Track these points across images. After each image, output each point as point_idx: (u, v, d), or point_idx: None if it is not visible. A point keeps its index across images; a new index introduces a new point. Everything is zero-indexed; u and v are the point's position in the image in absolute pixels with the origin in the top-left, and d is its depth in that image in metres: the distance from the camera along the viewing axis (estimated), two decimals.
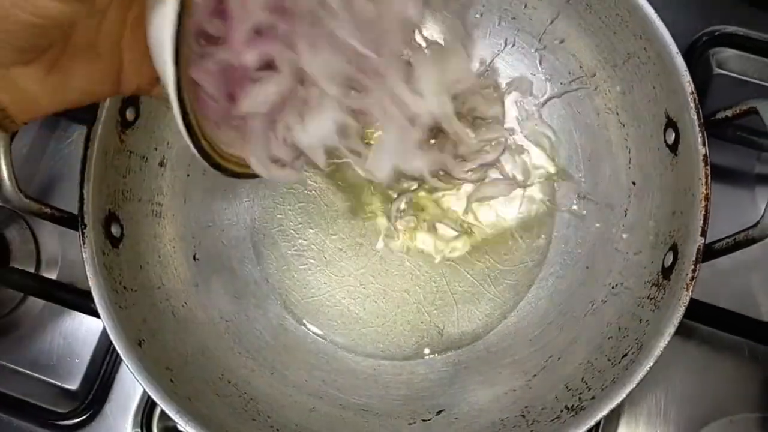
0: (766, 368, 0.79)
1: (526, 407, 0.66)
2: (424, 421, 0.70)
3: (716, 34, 0.86)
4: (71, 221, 0.64)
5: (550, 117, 0.78)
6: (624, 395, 0.58)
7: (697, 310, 0.74)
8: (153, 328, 0.66)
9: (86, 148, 0.64)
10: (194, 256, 0.75)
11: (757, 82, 0.86)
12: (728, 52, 0.87)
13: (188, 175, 0.76)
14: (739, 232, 0.58)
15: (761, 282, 0.82)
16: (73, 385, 0.83)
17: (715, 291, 0.80)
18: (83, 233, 0.63)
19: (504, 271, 0.76)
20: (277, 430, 0.67)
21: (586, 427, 0.58)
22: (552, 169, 0.77)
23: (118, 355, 0.69)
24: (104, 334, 0.81)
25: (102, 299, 0.61)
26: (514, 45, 0.79)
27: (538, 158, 0.77)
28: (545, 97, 0.78)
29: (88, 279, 0.62)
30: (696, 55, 0.85)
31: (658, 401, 0.79)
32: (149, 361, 0.62)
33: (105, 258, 0.64)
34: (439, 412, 0.70)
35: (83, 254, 0.62)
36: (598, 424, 0.74)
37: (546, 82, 0.79)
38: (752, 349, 0.80)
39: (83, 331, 0.85)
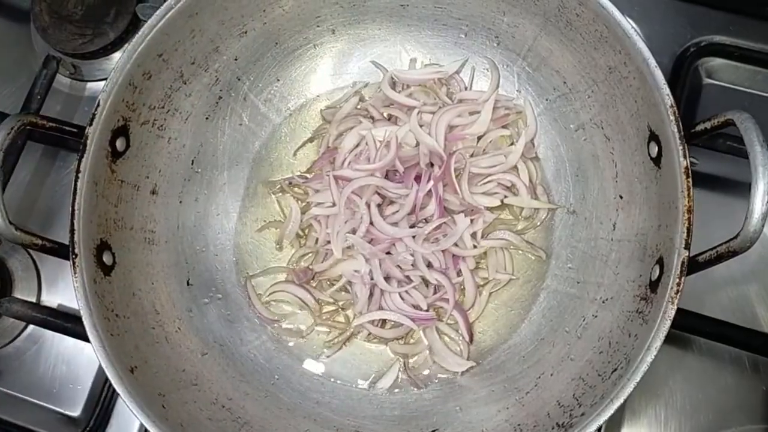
0: (767, 378, 0.79)
1: (519, 425, 0.66)
2: None
3: (704, 44, 0.86)
4: (63, 252, 0.66)
5: (537, 133, 0.79)
6: (612, 411, 0.57)
7: (693, 323, 0.74)
8: (146, 354, 0.67)
9: (76, 179, 0.65)
10: (187, 282, 0.76)
11: (747, 90, 0.86)
12: (717, 62, 0.87)
13: (180, 202, 0.78)
14: (720, 245, 0.58)
15: (758, 292, 0.81)
16: (74, 412, 0.84)
17: (713, 303, 0.80)
18: (74, 263, 0.64)
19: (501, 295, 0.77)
20: None
21: None
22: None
23: None
24: None
25: (93, 327, 0.62)
26: (498, 63, 0.80)
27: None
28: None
29: (79, 307, 0.63)
30: (685, 65, 0.86)
31: (659, 414, 0.79)
32: (141, 387, 0.63)
33: (97, 286, 0.65)
34: None
35: (74, 283, 0.63)
36: None
37: (531, 98, 0.79)
38: (753, 360, 0.79)
39: (85, 358, 0.86)
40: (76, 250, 0.64)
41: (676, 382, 0.79)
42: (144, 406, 0.61)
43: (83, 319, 0.62)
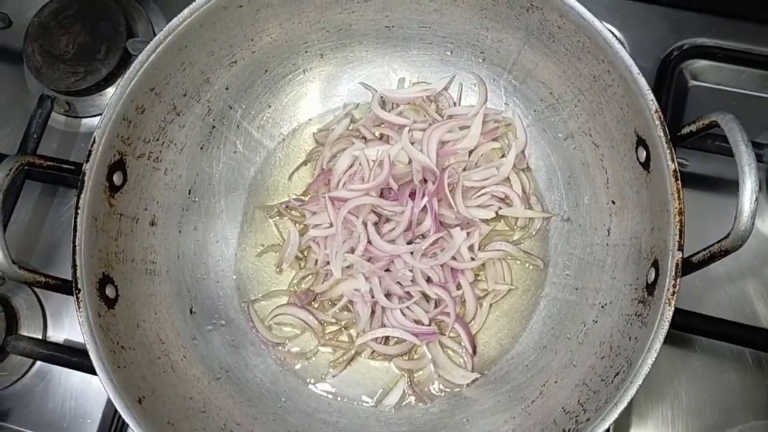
0: None
1: None
2: None
3: (687, 47, 0.88)
4: (66, 288, 0.66)
5: (527, 144, 0.80)
6: (616, 414, 0.58)
7: (694, 323, 0.75)
8: (153, 385, 0.68)
9: (76, 215, 0.66)
10: (191, 310, 0.77)
11: (733, 90, 0.87)
12: (701, 64, 0.89)
13: (179, 232, 0.79)
14: (713, 245, 0.59)
15: (756, 288, 0.82)
16: None
17: (712, 302, 0.81)
18: (78, 298, 0.65)
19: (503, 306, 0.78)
20: None
21: None
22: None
23: None
24: None
25: (99, 361, 0.63)
26: (485, 78, 0.81)
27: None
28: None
29: (85, 342, 0.63)
30: (669, 69, 0.87)
31: (665, 415, 0.79)
32: (150, 418, 0.63)
33: (101, 320, 0.66)
34: None
35: (78, 318, 0.64)
36: None
37: (519, 110, 0.80)
38: (756, 357, 0.80)
39: (92, 391, 0.87)
40: (79, 285, 0.65)
41: (681, 383, 0.80)
42: None
43: (90, 353, 0.63)
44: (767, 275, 0.82)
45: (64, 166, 0.69)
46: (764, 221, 0.84)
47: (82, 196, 0.67)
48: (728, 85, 0.88)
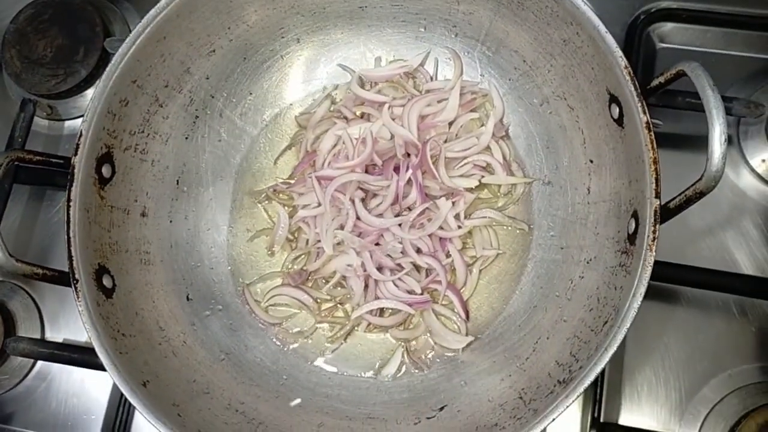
0: (756, 319, 0.81)
1: (522, 389, 0.69)
2: (428, 419, 0.72)
3: (653, 11, 0.90)
4: (63, 279, 0.67)
5: (505, 113, 0.82)
6: (607, 359, 0.60)
7: (677, 274, 0.77)
8: (156, 369, 0.69)
9: (68, 208, 0.67)
10: (187, 297, 0.78)
11: (700, 49, 0.90)
12: (668, 26, 0.91)
13: (170, 221, 0.80)
14: (687, 188, 0.61)
15: (735, 238, 0.84)
16: None
17: (693, 254, 0.83)
18: (76, 288, 0.66)
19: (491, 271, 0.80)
20: None
21: (576, 395, 0.60)
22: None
23: (131, 405, 0.72)
24: (115, 386, 0.83)
25: (102, 347, 0.64)
26: (459, 51, 0.83)
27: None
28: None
29: (86, 330, 0.65)
30: (637, 33, 0.89)
31: (657, 371, 0.81)
32: (155, 400, 0.65)
33: (100, 309, 0.67)
34: (441, 408, 0.72)
35: (78, 308, 0.65)
36: (600, 407, 0.77)
37: (495, 80, 0.82)
38: (740, 304, 0.82)
39: (95, 387, 0.88)
40: (77, 276, 0.66)
41: (669, 336, 0.82)
42: (161, 416, 0.63)
43: (92, 340, 0.64)
44: (744, 225, 0.84)
45: (53, 160, 0.70)
46: (738, 174, 0.86)
47: (73, 188, 0.68)
48: (694, 45, 0.90)
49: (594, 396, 0.78)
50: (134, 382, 0.64)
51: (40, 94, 0.94)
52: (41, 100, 0.94)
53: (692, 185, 0.60)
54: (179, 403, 0.67)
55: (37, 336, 0.89)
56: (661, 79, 0.64)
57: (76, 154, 0.68)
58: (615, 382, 0.81)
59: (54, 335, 0.90)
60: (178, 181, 0.81)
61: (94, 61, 0.93)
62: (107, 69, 0.70)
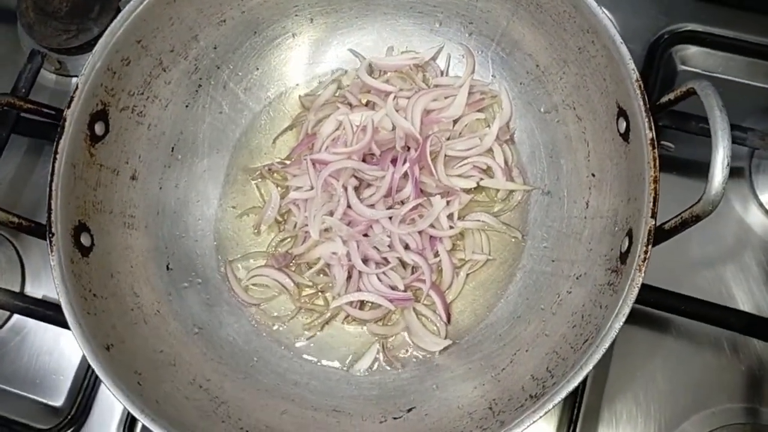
0: (746, 358, 0.79)
1: (494, 400, 0.67)
2: (395, 419, 0.70)
3: (677, 32, 0.88)
4: (40, 231, 0.66)
5: (512, 117, 0.80)
6: (581, 377, 0.58)
7: (670, 301, 0.74)
8: (123, 334, 0.68)
9: (54, 160, 0.66)
10: (167, 266, 0.77)
11: (721, 76, 0.87)
12: (691, 49, 0.89)
13: (160, 188, 0.79)
14: (684, 211, 0.59)
15: (735, 273, 0.81)
16: (57, 402, 0.85)
17: (690, 284, 0.80)
18: (51, 242, 0.65)
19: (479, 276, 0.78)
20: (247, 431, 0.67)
21: (545, 411, 0.57)
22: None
23: None
24: None
25: (68, 305, 0.63)
26: (473, 49, 0.81)
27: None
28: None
29: (55, 286, 0.63)
30: (658, 53, 0.87)
31: (638, 399, 0.79)
32: (117, 365, 0.63)
33: (74, 266, 0.66)
34: (410, 410, 0.70)
35: (51, 262, 0.64)
36: (574, 429, 0.74)
37: (506, 82, 0.80)
38: (732, 342, 0.79)
39: (69, 347, 0.86)
40: (53, 230, 0.65)
41: (656, 365, 0.79)
42: (119, 383, 0.61)
43: (59, 296, 0.63)
44: (746, 261, 0.82)
45: (44, 110, 0.69)
46: (745, 208, 0.84)
47: (62, 141, 0.67)
48: (716, 71, 0.88)
49: (570, 417, 0.75)
50: (97, 344, 0.63)
51: (50, 48, 0.93)
52: (51, 54, 0.94)
53: (689, 208, 0.58)
54: (142, 371, 0.66)
55: (17, 289, 0.88)
56: (671, 96, 0.61)
57: (69, 107, 0.67)
58: (593, 406, 0.78)
59: (33, 290, 0.89)
60: (173, 148, 0.80)
61: (107, 21, 0.92)
62: (111, 24, 0.69)
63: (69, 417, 0.82)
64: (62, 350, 0.87)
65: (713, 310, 0.75)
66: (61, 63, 0.95)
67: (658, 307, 0.75)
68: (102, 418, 0.83)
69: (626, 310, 0.58)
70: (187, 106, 0.80)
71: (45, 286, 0.89)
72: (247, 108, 0.84)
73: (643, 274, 0.59)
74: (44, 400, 0.85)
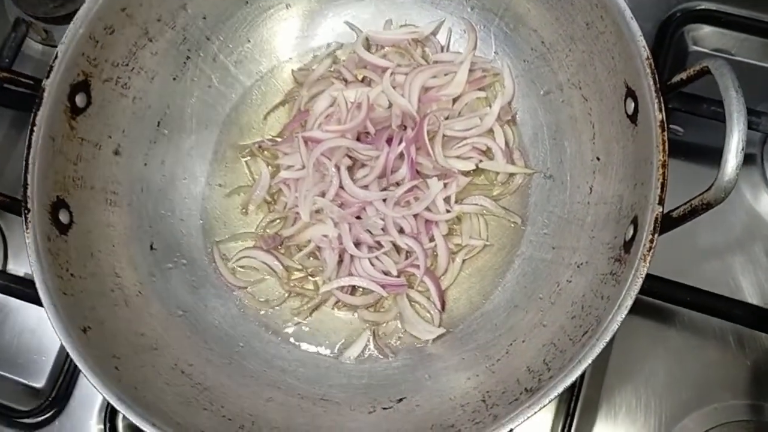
0: (752, 353, 0.76)
1: (487, 392, 0.64)
2: (384, 409, 0.67)
3: (689, 10, 0.84)
4: (15, 206, 0.63)
5: (515, 96, 0.76)
6: (579, 372, 0.55)
7: (675, 292, 0.72)
8: (102, 316, 0.65)
9: (31, 132, 0.63)
10: (151, 246, 0.74)
11: (734, 58, 0.84)
12: (704, 29, 0.85)
13: (145, 164, 0.75)
14: (694, 198, 0.55)
15: (743, 264, 0.78)
16: (38, 383, 0.82)
17: (697, 274, 0.77)
18: (26, 218, 0.62)
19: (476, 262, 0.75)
20: (230, 419, 0.64)
21: (540, 406, 0.55)
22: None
23: None
24: None
25: (43, 284, 0.60)
26: (475, 24, 0.77)
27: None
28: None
29: (29, 264, 0.61)
30: (670, 32, 0.83)
31: (638, 392, 0.76)
32: (93, 349, 0.60)
33: (50, 244, 0.63)
34: (400, 400, 0.68)
35: (26, 239, 0.61)
36: (572, 422, 0.72)
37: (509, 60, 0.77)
38: (738, 335, 0.77)
39: (50, 329, 0.83)
40: (29, 206, 0.62)
41: (658, 358, 0.77)
42: (95, 367, 0.58)
43: (34, 275, 0.60)
44: (755, 252, 0.79)
45: (21, 79, 0.66)
46: (756, 197, 0.81)
47: (40, 113, 0.64)
48: (729, 52, 0.84)
49: (567, 409, 0.72)
50: (73, 326, 0.60)
51: (35, 16, 0.90)
52: (36, 23, 0.91)
53: (699, 195, 0.55)
54: (120, 355, 0.63)
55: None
56: (683, 76, 0.58)
57: (48, 77, 0.64)
58: (592, 398, 0.76)
59: (16, 268, 0.86)
60: (159, 123, 0.76)
61: None
62: None
63: (50, 399, 0.80)
64: (44, 330, 0.84)
65: (719, 302, 0.72)
66: (48, 32, 0.92)
67: (661, 298, 0.72)
68: (84, 401, 0.81)
69: (629, 302, 0.55)
70: (174, 79, 0.76)
71: (27, 264, 0.85)
72: (238, 82, 0.80)
73: (647, 264, 0.56)
74: (25, 381, 0.83)
